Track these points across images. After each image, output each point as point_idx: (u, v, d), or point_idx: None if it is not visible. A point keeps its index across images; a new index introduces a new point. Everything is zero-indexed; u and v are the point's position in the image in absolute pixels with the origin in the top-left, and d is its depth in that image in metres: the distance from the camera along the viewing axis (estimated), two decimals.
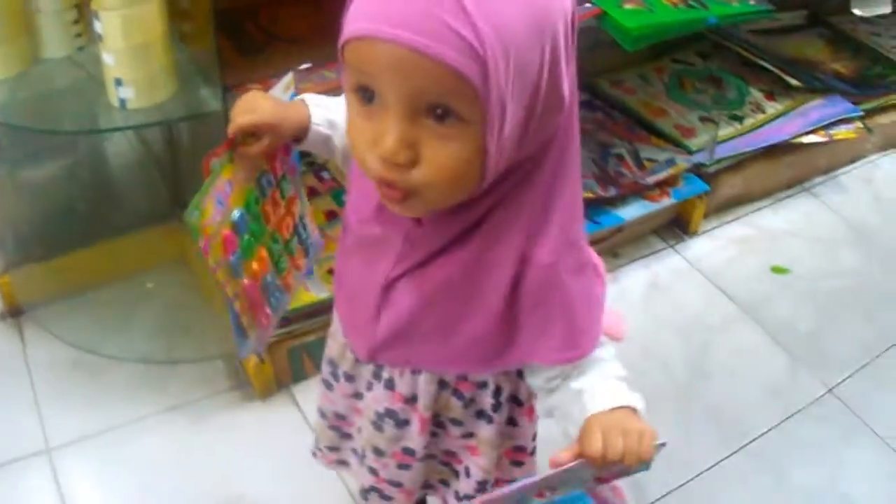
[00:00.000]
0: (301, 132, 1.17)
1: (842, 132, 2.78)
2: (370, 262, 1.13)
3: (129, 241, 2.20)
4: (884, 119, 3.04)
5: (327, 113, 1.18)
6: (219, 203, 1.12)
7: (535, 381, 1.14)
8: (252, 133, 1.12)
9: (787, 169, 2.81)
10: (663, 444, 0.99)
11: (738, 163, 2.68)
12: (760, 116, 2.78)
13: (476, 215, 1.02)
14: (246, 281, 1.18)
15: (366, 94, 0.90)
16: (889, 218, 2.82)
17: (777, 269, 2.54)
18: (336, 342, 1.30)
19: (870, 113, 2.94)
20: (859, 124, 2.83)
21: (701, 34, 2.86)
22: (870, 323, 2.41)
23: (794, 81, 2.86)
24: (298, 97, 1.20)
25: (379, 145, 0.90)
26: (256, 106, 1.12)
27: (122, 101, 1.65)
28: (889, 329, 2.39)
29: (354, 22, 0.87)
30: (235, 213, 1.14)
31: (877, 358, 2.30)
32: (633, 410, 1.05)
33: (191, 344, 2.08)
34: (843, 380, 2.22)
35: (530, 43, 0.88)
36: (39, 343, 2.11)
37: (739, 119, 2.75)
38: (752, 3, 2.18)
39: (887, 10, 2.65)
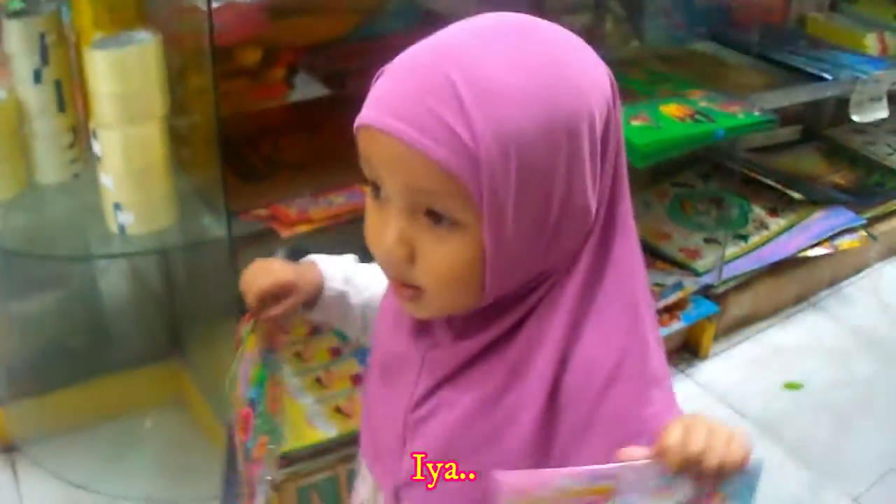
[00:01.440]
0: (316, 291, 1.13)
1: (846, 242, 2.74)
2: (393, 385, 1.02)
3: (127, 379, 2.12)
4: (885, 226, 3.01)
5: (341, 270, 1.15)
6: (244, 377, 1.10)
7: None
8: (273, 296, 1.08)
9: (794, 284, 2.77)
10: (760, 462, 0.80)
11: (746, 282, 2.63)
12: (765, 233, 2.75)
13: (500, 329, 0.91)
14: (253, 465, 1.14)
15: (374, 186, 0.87)
16: None
17: (790, 385, 2.47)
18: (366, 484, 1.11)
19: (871, 221, 2.91)
20: (863, 233, 2.80)
21: (700, 156, 2.85)
22: (888, 430, 2.34)
23: (796, 195, 2.84)
24: (307, 259, 1.16)
25: (381, 240, 0.86)
26: (271, 268, 1.10)
27: (122, 227, 1.60)
28: None
29: (364, 109, 0.84)
30: (252, 391, 1.11)
31: None
32: None
33: (192, 484, 1.98)
34: (868, 489, 2.14)
35: (541, 146, 0.80)
36: (34, 480, 2.01)
37: (744, 238, 2.71)
38: (756, 113, 2.16)
39: (884, 115, 2.65)
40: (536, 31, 0.86)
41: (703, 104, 2.14)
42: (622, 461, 0.79)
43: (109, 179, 1.56)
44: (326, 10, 1.96)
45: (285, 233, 1.60)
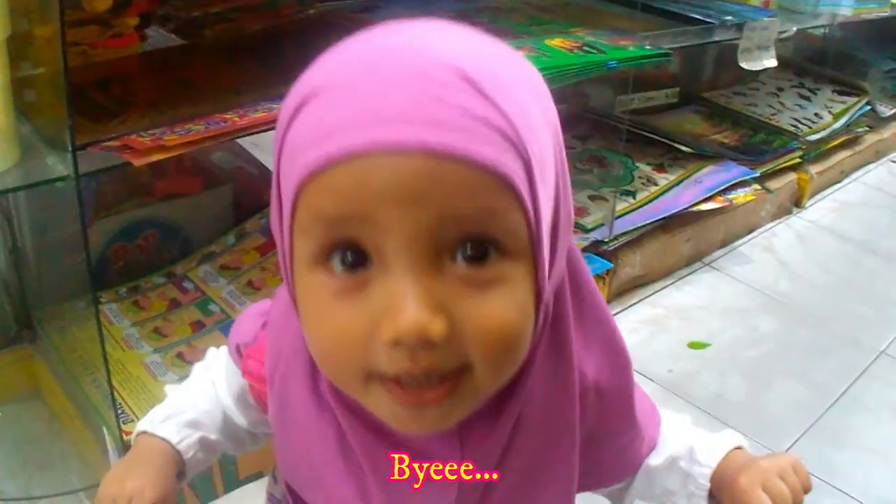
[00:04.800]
0: (178, 466, 0.88)
1: (740, 196, 2.67)
2: None
3: None
4: (775, 184, 2.95)
5: (178, 419, 0.89)
6: None
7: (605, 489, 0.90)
8: None
9: (686, 244, 2.65)
10: None
11: (637, 240, 2.50)
12: (653, 189, 2.63)
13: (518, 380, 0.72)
14: None
15: (348, 256, 0.61)
16: (798, 280, 2.72)
17: (694, 345, 2.34)
18: None
19: (760, 180, 2.84)
20: (757, 186, 2.73)
21: (577, 115, 2.74)
22: (804, 383, 2.25)
23: (684, 148, 2.75)
24: (139, 432, 0.90)
25: (393, 323, 0.58)
26: (130, 491, 0.80)
27: None
28: (826, 386, 2.25)
29: (327, 140, 0.58)
30: None
31: (821, 417, 2.13)
32: (741, 447, 0.85)
33: (50, 478, 1.77)
34: (793, 444, 2.03)
35: (548, 145, 0.64)
36: None
37: (631, 193, 2.59)
38: (648, 47, 2.03)
39: (773, 63, 2.56)
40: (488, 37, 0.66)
41: (589, 38, 2.01)
42: None
43: None
44: None
45: (138, 161, 1.39)
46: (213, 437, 0.91)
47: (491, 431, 0.73)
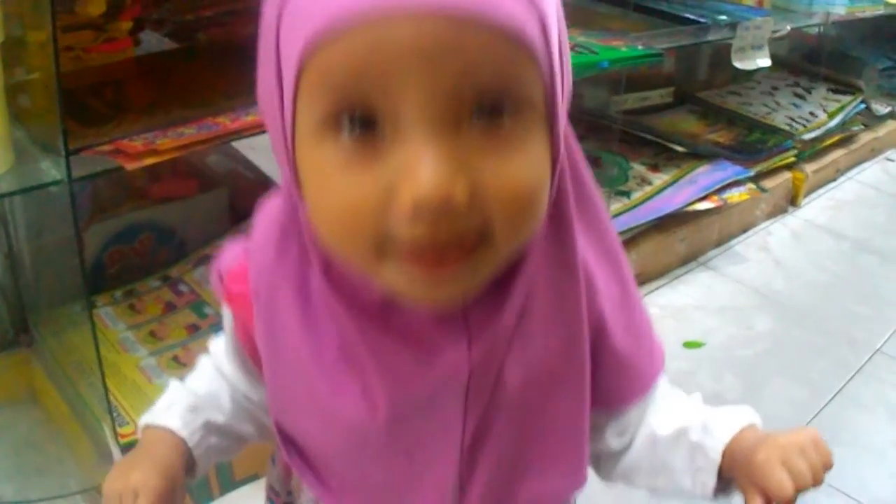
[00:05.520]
0: (185, 457, 0.86)
1: (735, 195, 2.67)
2: (420, 436, 0.76)
3: None
4: (771, 183, 2.96)
5: (181, 407, 0.88)
6: None
7: (600, 443, 0.85)
8: None
9: (681, 243, 2.66)
10: None
11: (632, 239, 2.49)
12: (648, 189, 2.63)
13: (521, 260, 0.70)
14: None
15: (358, 122, 0.58)
16: (794, 279, 2.72)
17: (690, 344, 2.34)
18: None
19: (754, 179, 2.84)
20: (751, 185, 2.73)
21: (574, 116, 2.74)
22: (800, 382, 2.24)
23: (678, 148, 2.75)
24: (143, 427, 0.88)
25: (413, 186, 0.56)
26: (135, 484, 0.79)
27: None
28: (821, 385, 2.25)
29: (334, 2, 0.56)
30: None
31: (817, 415, 2.13)
32: (754, 424, 0.82)
33: (47, 482, 1.77)
34: None
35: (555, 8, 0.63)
36: None
37: (626, 194, 2.58)
38: (640, 47, 2.04)
39: (766, 63, 2.56)
40: None
41: (581, 39, 2.02)
42: None
43: None
44: None
45: (130, 165, 1.40)
46: (219, 420, 0.89)
47: (496, 314, 0.71)
